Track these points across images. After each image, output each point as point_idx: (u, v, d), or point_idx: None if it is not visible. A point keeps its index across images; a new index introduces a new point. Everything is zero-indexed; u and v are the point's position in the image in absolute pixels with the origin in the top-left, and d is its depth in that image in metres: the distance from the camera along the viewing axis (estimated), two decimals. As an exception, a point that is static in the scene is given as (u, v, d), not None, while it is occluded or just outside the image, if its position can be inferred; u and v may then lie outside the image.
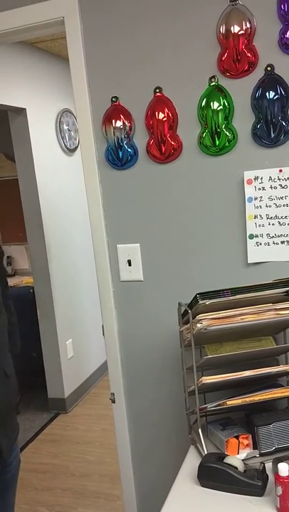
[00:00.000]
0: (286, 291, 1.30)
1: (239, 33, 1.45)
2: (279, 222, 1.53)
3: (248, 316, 1.25)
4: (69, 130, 3.76)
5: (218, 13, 1.46)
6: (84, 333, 3.80)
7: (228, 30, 1.46)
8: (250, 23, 1.44)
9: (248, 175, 1.53)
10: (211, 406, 1.31)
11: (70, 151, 3.77)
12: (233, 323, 1.24)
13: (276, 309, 1.26)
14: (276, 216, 1.53)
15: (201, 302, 1.24)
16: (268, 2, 1.41)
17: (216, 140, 1.54)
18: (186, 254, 1.63)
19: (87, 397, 3.73)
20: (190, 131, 1.57)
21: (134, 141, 1.64)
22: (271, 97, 1.45)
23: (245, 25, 1.44)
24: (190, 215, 1.61)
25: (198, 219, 1.60)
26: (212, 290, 1.27)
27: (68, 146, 3.73)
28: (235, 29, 1.45)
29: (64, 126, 3.69)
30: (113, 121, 1.64)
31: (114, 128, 1.65)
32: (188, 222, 1.62)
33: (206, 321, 1.23)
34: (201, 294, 1.26)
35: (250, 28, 1.44)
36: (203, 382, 1.27)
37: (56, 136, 3.59)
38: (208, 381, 1.26)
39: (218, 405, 1.31)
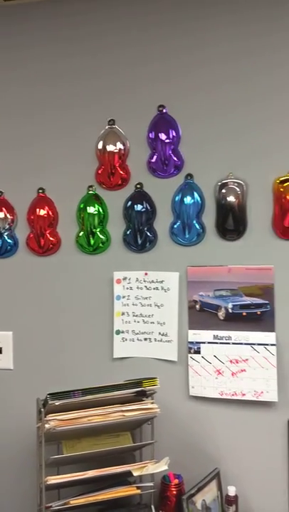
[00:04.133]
0: (135, 392, 1.40)
1: (114, 151, 1.64)
2: (143, 320, 1.66)
3: (95, 417, 1.32)
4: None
5: (98, 132, 1.65)
6: None
7: (104, 148, 1.64)
8: (124, 145, 1.63)
9: (118, 275, 1.67)
10: (56, 505, 1.33)
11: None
12: (80, 425, 1.31)
13: (122, 411, 1.35)
14: (141, 314, 1.66)
15: (50, 402, 1.30)
16: (140, 129, 1.62)
17: (91, 240, 1.68)
18: (56, 345, 1.70)
19: None
20: (68, 230, 1.70)
21: (16, 233, 1.73)
22: (139, 209, 1.63)
23: (120, 145, 1.64)
24: (63, 308, 1.70)
25: (71, 312, 1.69)
26: (64, 390, 1.33)
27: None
28: (111, 148, 1.64)
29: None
30: (-3, 212, 1.73)
31: (-2, 219, 1.73)
32: (61, 315, 1.70)
33: (54, 422, 1.29)
34: (52, 394, 1.32)
35: (124, 149, 1.64)
36: (48, 482, 1.30)
37: None
38: (53, 481, 1.30)
39: (64, 504, 1.34)
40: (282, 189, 1.52)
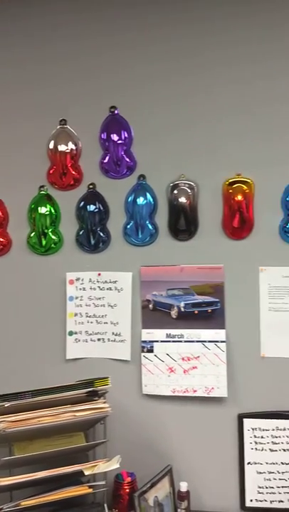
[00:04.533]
0: (87, 392, 1.40)
1: (66, 151, 1.63)
2: (97, 321, 1.66)
3: (45, 418, 1.31)
4: None
5: (49, 132, 1.64)
6: None
7: (56, 148, 1.64)
8: (76, 145, 1.63)
9: (70, 275, 1.66)
10: (7, 507, 1.32)
11: None
12: (31, 426, 1.30)
13: (73, 411, 1.35)
14: (94, 315, 1.66)
15: (0, 404, 1.28)
16: (92, 130, 1.63)
17: (43, 241, 1.66)
18: (8, 347, 1.67)
19: None
20: (19, 230, 1.68)
21: None
22: (92, 209, 1.63)
23: (72, 145, 1.63)
24: (15, 309, 1.68)
25: (23, 314, 1.67)
26: (13, 392, 1.32)
27: None
28: (62, 148, 1.63)
29: None
30: None
31: None
32: (12, 317, 1.68)
33: (3, 424, 1.27)
34: (1, 396, 1.30)
35: (76, 149, 1.64)
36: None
37: None
38: (4, 483, 1.28)
39: (15, 505, 1.32)
40: (231, 190, 1.56)
